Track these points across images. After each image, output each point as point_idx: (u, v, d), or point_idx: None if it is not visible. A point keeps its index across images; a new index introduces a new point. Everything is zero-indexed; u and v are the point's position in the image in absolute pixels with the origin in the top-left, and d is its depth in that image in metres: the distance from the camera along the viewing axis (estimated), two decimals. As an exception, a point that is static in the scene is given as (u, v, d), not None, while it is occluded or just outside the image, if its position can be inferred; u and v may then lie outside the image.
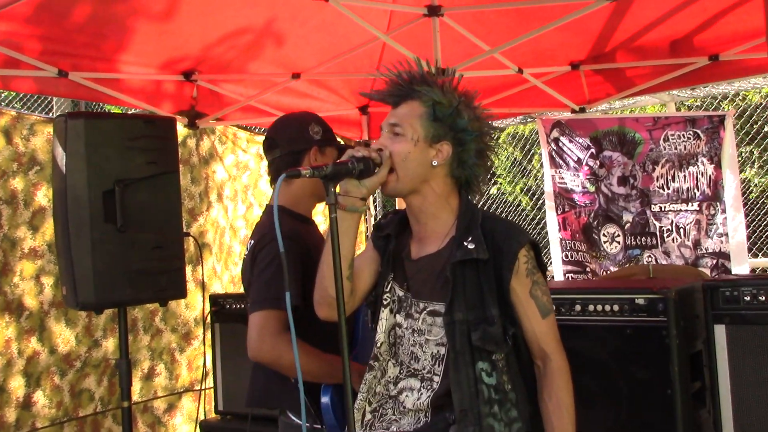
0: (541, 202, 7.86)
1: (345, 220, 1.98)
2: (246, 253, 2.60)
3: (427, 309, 2.01)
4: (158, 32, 3.97)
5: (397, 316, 2.06)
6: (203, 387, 4.46)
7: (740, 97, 8.30)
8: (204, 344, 4.20)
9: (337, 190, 1.98)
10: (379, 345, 2.07)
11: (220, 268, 5.21)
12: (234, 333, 4.09)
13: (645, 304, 2.56)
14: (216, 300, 4.20)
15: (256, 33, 4.26)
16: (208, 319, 4.27)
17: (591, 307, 2.67)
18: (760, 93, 8.24)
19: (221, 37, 4.22)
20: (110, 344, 4.51)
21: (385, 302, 2.09)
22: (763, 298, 2.50)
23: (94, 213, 2.96)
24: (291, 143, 2.60)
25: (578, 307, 2.70)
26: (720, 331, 2.60)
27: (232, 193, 5.39)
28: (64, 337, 4.30)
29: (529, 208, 9.13)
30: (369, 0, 3.76)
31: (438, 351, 1.98)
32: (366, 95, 2.20)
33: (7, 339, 4.01)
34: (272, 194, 2.53)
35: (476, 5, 3.87)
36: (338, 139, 2.93)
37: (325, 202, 1.89)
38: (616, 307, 2.62)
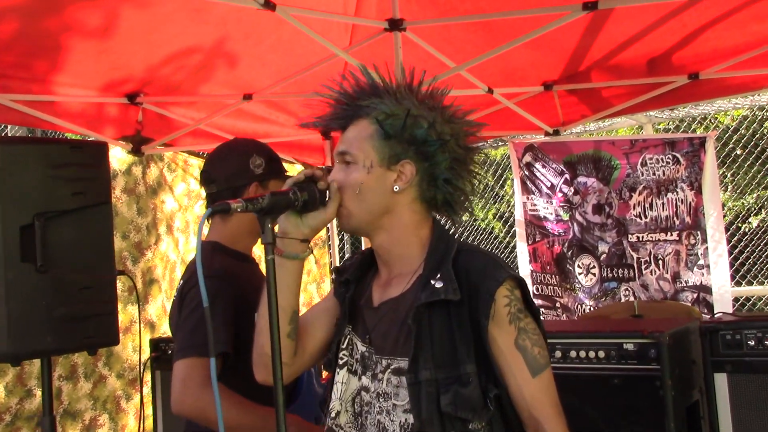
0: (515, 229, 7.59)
1: (283, 267, 1.64)
2: (175, 294, 2.37)
3: (391, 366, 1.62)
4: (97, 51, 3.64)
5: (363, 378, 1.67)
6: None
7: (709, 120, 8.16)
8: (141, 394, 3.81)
9: (277, 228, 1.65)
10: (334, 415, 1.68)
11: (170, 306, 4.83)
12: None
13: (635, 349, 2.24)
14: (157, 344, 3.81)
15: (206, 53, 3.97)
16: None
17: (573, 353, 2.34)
18: (730, 115, 8.12)
19: (168, 57, 3.91)
20: None
21: (341, 361, 1.71)
22: (770, 343, 2.20)
23: (8, 251, 2.60)
24: (228, 178, 2.33)
25: (558, 353, 2.37)
26: (721, 381, 2.28)
27: (183, 225, 5.03)
28: (-8, 387, 3.90)
29: (502, 235, 8.87)
30: (324, 11, 3.45)
31: (407, 420, 1.58)
32: (306, 125, 1.84)
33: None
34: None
35: (439, 18, 3.59)
36: (295, 167, 2.61)
37: (261, 242, 1.55)
38: (601, 354, 2.29)
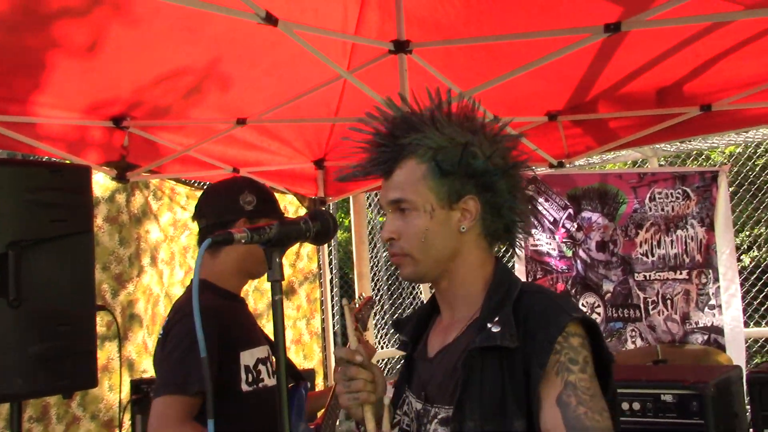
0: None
1: None
2: (161, 331, 2.31)
3: (439, 416, 1.48)
4: (81, 70, 3.44)
5: None
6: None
7: (704, 157, 8.09)
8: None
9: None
10: None
11: (151, 343, 4.57)
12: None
13: (675, 401, 2.02)
14: (138, 386, 3.53)
15: (197, 74, 3.78)
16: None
17: (604, 404, 2.12)
18: (723, 152, 8.05)
19: (157, 79, 3.72)
20: None
21: (395, 420, 1.58)
22: (827, 395, 2.00)
23: None
24: (218, 213, 2.35)
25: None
26: (771, 437, 2.08)
27: (168, 256, 4.79)
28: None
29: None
30: (326, 29, 3.27)
31: None
32: (347, 177, 1.59)
33: None
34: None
35: (447, 40, 3.42)
36: (287, 197, 2.48)
37: (267, 278, 1.34)
38: (636, 405, 2.07)
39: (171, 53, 3.51)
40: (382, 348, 7.37)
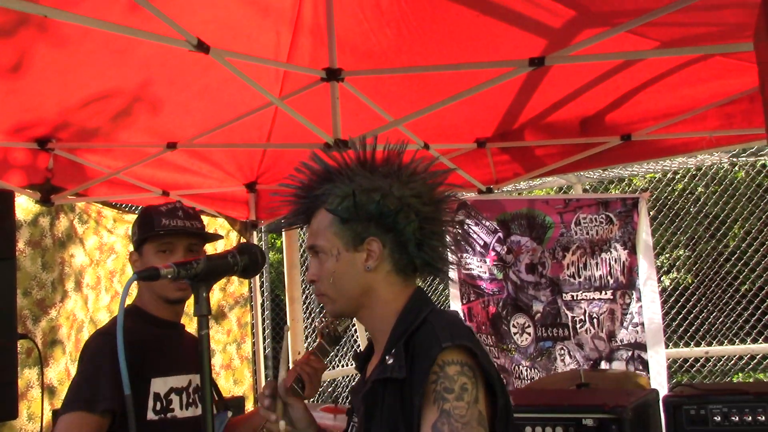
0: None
1: None
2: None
3: None
4: (5, 90, 3.36)
5: None
6: None
7: (625, 183, 8.37)
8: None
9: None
10: None
11: (74, 370, 4.44)
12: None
13: (595, 425, 2.09)
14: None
15: (126, 97, 3.73)
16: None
17: (528, 429, 2.18)
18: (644, 177, 8.34)
19: (84, 100, 3.65)
20: None
21: None
22: (737, 418, 2.10)
23: None
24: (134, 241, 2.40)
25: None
26: (686, 458, 2.16)
27: (94, 281, 4.68)
28: None
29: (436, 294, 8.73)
30: (259, 55, 3.29)
31: None
32: (275, 228, 1.78)
33: None
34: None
35: (379, 69, 3.48)
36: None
37: (194, 313, 1.34)
38: (559, 430, 2.14)
39: (99, 75, 3.46)
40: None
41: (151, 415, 2.20)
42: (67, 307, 4.48)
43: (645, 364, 4.45)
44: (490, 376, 1.50)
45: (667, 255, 8.40)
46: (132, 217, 4.93)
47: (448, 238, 1.66)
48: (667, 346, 6.97)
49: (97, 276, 4.69)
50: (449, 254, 1.66)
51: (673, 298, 7.63)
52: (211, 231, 2.53)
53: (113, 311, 4.78)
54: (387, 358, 1.56)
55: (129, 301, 2.40)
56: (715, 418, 2.13)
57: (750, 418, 2.11)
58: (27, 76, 3.26)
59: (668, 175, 7.76)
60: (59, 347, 4.38)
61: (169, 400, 2.25)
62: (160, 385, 2.24)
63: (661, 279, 8.23)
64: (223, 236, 2.31)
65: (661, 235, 7.96)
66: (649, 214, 4.96)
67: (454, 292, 4.68)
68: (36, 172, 3.98)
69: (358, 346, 6.02)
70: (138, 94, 3.74)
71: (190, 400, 2.31)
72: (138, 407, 2.17)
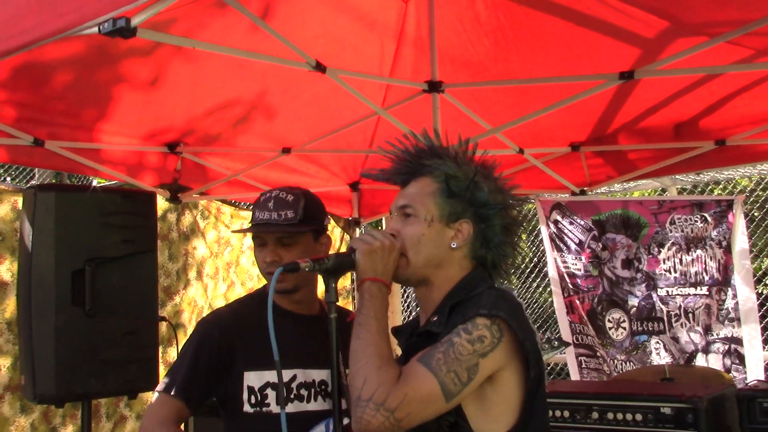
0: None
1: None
2: None
3: None
4: (143, 102, 3.77)
5: None
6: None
7: (733, 185, 8.19)
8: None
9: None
10: None
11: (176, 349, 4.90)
12: (209, 427, 3.74)
13: (672, 413, 2.28)
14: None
15: (245, 105, 4.09)
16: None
17: (610, 415, 2.39)
18: (749, 177, 8.15)
19: (209, 109, 4.04)
20: None
21: None
22: (806, 411, 2.24)
23: (60, 295, 2.74)
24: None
25: (595, 415, 2.42)
26: (758, 448, 2.32)
27: (213, 271, 5.12)
28: (19, 424, 3.95)
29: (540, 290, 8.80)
30: (367, 73, 3.58)
31: None
32: (369, 176, 1.94)
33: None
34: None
35: (477, 82, 3.71)
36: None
37: (325, 299, 1.63)
38: (638, 416, 2.34)
39: (223, 86, 3.81)
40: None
41: (247, 408, 2.22)
42: (189, 294, 4.93)
43: (741, 359, 4.51)
44: (524, 348, 1.63)
45: (764, 260, 8.18)
46: (247, 214, 5.35)
47: (515, 254, 1.81)
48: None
49: (215, 266, 5.12)
50: (512, 268, 1.82)
51: (765, 307, 7.45)
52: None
53: (229, 298, 5.21)
54: (432, 315, 1.72)
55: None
56: (786, 411, 2.29)
57: (819, 412, 2.25)
58: (161, 88, 3.66)
59: (765, 181, 7.59)
60: (181, 330, 4.83)
61: (264, 394, 2.23)
62: (253, 378, 2.22)
63: (765, 281, 8.04)
64: (324, 225, 2.28)
65: (758, 238, 7.78)
66: (746, 216, 4.98)
67: (555, 289, 4.85)
68: (166, 174, 4.41)
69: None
70: (255, 103, 4.10)
71: (291, 396, 2.25)
72: (233, 398, 2.23)
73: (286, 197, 2.28)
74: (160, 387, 2.24)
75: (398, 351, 1.86)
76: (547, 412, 1.78)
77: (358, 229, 5.65)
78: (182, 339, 4.78)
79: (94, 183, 3.00)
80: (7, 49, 2.21)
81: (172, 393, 2.19)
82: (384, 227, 5.92)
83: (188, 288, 4.92)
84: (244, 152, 4.50)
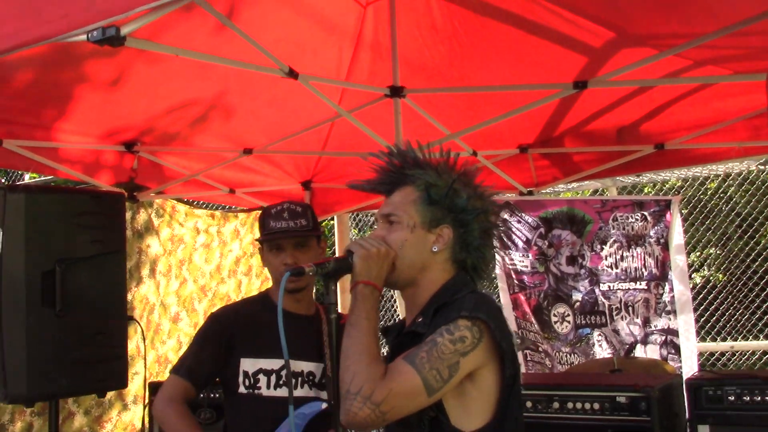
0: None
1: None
2: None
3: None
4: (102, 101, 3.79)
5: None
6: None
7: (668, 186, 8.57)
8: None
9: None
10: None
11: (143, 348, 4.90)
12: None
13: (627, 402, 2.47)
14: (156, 388, 3.87)
15: (204, 105, 4.13)
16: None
17: (570, 405, 2.56)
18: (677, 181, 8.54)
19: (167, 108, 4.07)
20: (18, 429, 4.22)
21: None
22: (748, 398, 2.46)
23: (31, 296, 2.74)
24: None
25: (556, 404, 2.59)
26: (704, 432, 2.54)
27: (166, 268, 5.12)
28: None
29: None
30: (336, 79, 3.70)
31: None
32: (356, 187, 2.04)
33: None
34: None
35: (437, 88, 3.85)
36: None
37: (323, 302, 1.76)
38: (596, 405, 2.52)
39: (184, 87, 3.85)
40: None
41: (242, 389, 2.64)
42: (141, 291, 4.92)
43: (677, 349, 4.78)
44: (501, 348, 1.77)
45: (698, 253, 8.60)
46: (201, 212, 5.38)
47: (493, 257, 1.95)
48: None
49: (168, 264, 5.13)
50: (490, 270, 1.95)
51: (701, 296, 7.87)
52: None
53: (180, 296, 5.23)
54: (418, 316, 1.85)
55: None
56: (729, 398, 2.50)
57: (759, 399, 2.46)
58: (123, 89, 3.67)
59: (700, 179, 7.99)
60: (132, 326, 4.79)
61: (256, 378, 2.64)
62: (248, 364, 2.65)
63: (692, 276, 8.47)
64: (322, 231, 2.69)
65: (692, 234, 8.18)
66: (682, 214, 5.26)
67: (502, 285, 5.05)
68: (122, 172, 4.42)
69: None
70: (214, 103, 4.14)
71: (281, 382, 2.64)
72: (231, 381, 2.66)
73: (296, 208, 2.70)
74: (171, 369, 2.74)
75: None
76: (522, 407, 1.92)
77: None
78: (133, 336, 4.83)
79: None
80: (-13, 52, 2.23)
81: (181, 374, 2.67)
82: (335, 226, 6.02)
83: (140, 285, 4.92)
84: (201, 152, 4.53)
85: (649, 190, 8.34)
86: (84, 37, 2.06)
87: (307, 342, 2.66)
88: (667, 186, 8.39)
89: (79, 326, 2.86)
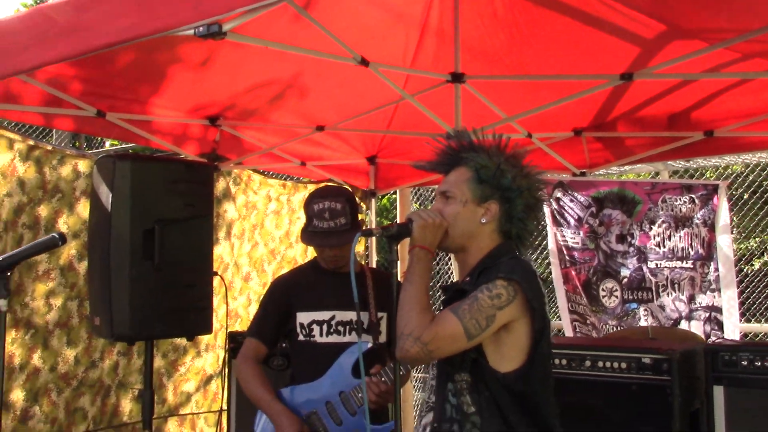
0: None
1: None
2: None
3: None
4: (192, 80, 4.19)
5: None
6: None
7: (720, 170, 8.61)
8: (223, 386, 4.32)
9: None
10: None
11: (216, 302, 5.35)
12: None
13: (651, 363, 2.78)
14: (234, 337, 4.35)
15: (281, 85, 4.48)
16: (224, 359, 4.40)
17: (600, 364, 2.89)
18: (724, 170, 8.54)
19: (248, 87, 4.44)
20: (106, 366, 4.69)
21: None
22: (759, 363, 2.74)
23: (134, 251, 3.15)
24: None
25: (588, 363, 2.92)
26: (718, 392, 2.84)
27: (240, 232, 5.57)
28: (64, 356, 4.44)
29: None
30: (402, 65, 4.02)
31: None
32: (418, 166, 2.40)
33: (11, 354, 4.14)
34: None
35: (495, 75, 4.12)
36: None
37: (387, 260, 2.12)
38: (623, 365, 2.84)
39: (264, 68, 4.23)
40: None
41: (301, 338, 3.15)
42: (217, 252, 5.36)
43: (720, 326, 5.01)
44: (532, 306, 2.08)
45: (758, 239, 8.62)
46: (274, 181, 5.82)
47: (535, 228, 2.28)
48: (749, 322, 7.42)
49: (242, 228, 5.58)
50: (532, 240, 2.27)
51: (764, 283, 7.93)
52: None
53: (252, 257, 5.67)
54: (466, 276, 2.21)
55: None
56: (743, 362, 2.78)
57: (769, 363, 2.76)
58: (210, 69, 4.06)
59: (761, 166, 8.02)
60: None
61: (310, 328, 3.13)
62: (303, 317, 3.14)
63: (752, 262, 8.52)
64: (361, 229, 2.99)
65: (751, 218, 8.21)
66: (743, 198, 5.39)
67: (553, 260, 5.34)
68: (206, 143, 4.85)
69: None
70: (290, 82, 4.50)
71: (331, 330, 3.12)
72: (292, 332, 3.18)
73: (336, 206, 3.01)
74: (247, 332, 3.29)
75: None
76: (550, 358, 2.25)
77: (373, 200, 6.10)
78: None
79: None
80: (108, 43, 2.64)
81: (252, 336, 3.20)
82: (398, 199, 6.37)
83: (217, 246, 5.34)
84: (277, 127, 4.92)
85: (711, 174, 8.41)
86: (191, 32, 2.44)
87: (352, 295, 3.11)
88: (728, 171, 8.44)
89: (173, 279, 3.27)
